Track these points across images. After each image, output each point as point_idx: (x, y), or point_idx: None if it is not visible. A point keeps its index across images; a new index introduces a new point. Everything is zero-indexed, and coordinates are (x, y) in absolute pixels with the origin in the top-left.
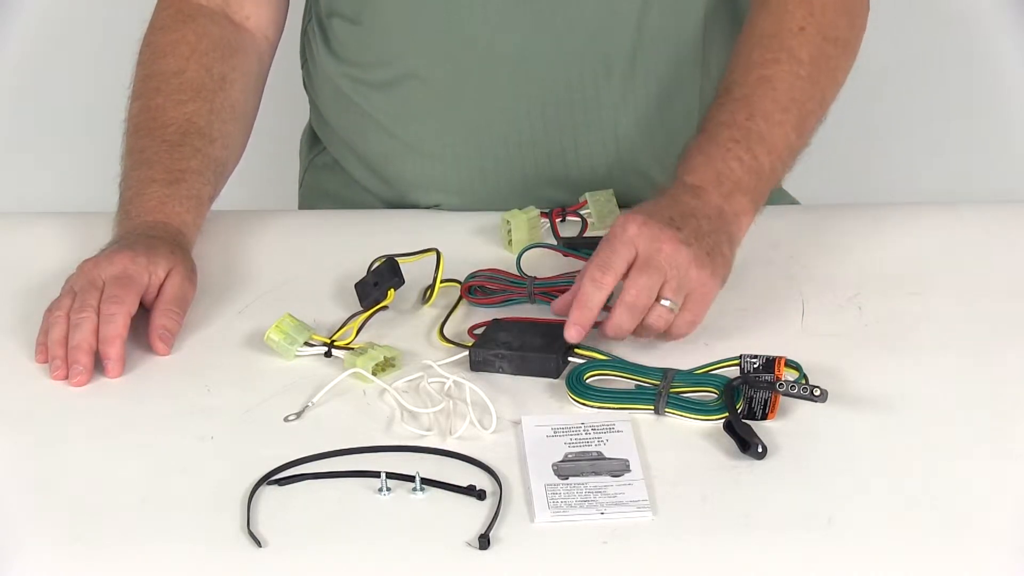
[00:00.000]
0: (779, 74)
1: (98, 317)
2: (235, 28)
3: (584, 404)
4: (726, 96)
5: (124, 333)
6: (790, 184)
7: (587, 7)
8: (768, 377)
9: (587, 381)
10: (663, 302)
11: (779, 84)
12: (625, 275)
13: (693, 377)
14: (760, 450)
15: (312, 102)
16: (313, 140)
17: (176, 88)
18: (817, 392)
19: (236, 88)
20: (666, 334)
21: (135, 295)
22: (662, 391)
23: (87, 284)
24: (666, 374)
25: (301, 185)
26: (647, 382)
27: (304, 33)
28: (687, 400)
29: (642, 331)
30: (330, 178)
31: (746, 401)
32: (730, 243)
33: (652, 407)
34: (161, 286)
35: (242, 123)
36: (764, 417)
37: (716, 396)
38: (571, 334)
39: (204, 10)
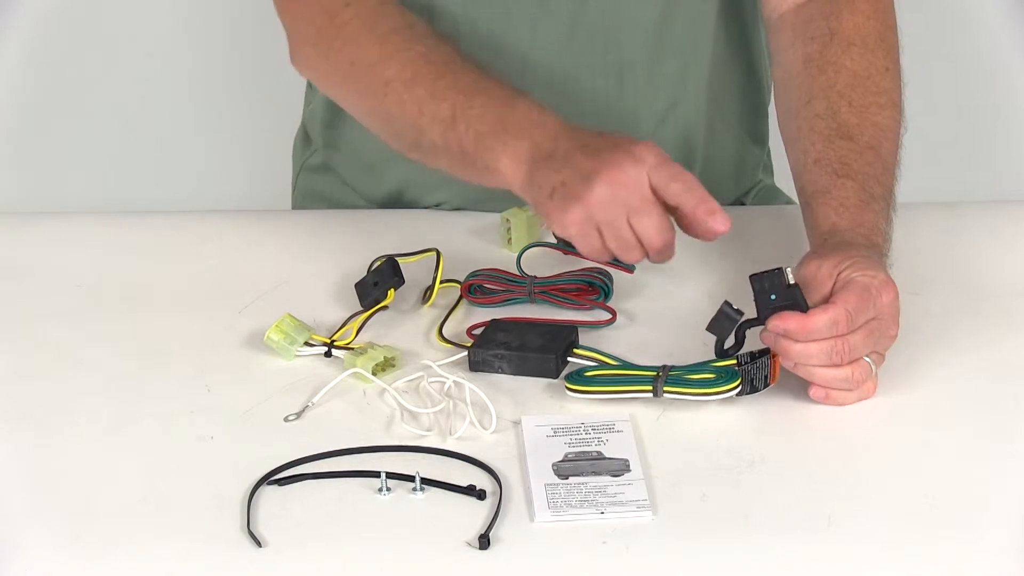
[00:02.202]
0: (887, 121)
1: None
2: None
3: (579, 391)
4: (851, 142)
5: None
6: (790, 184)
7: (608, 19)
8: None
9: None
10: (869, 361)
11: (890, 134)
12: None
13: (690, 368)
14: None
15: (310, 99)
16: (306, 142)
17: (420, 35)
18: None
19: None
20: (857, 393)
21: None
22: (660, 374)
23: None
24: (663, 367)
25: (294, 188)
26: (645, 374)
27: None
28: (686, 379)
29: (842, 383)
30: (323, 180)
31: (747, 381)
32: None
33: (651, 388)
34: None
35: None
36: (767, 385)
37: (715, 377)
38: (770, 340)
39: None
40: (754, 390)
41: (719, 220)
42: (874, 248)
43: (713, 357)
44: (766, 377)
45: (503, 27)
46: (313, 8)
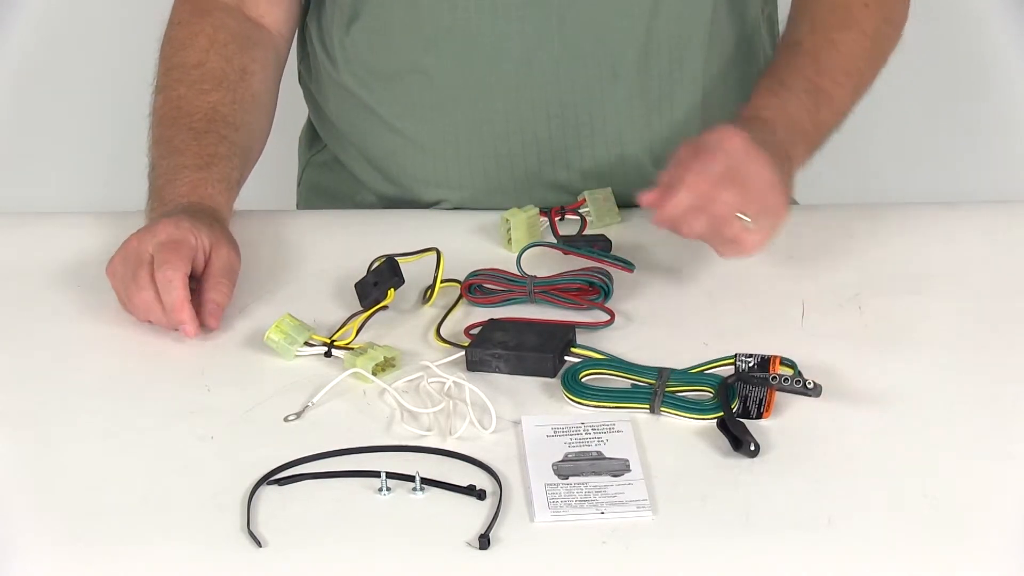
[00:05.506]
0: (846, 40)
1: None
2: (251, 23)
3: (580, 403)
4: (794, 49)
5: (186, 294)
6: (800, 191)
7: (597, 11)
8: (762, 375)
9: (582, 380)
10: (743, 218)
11: (844, 49)
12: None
13: (688, 376)
14: (752, 448)
15: (312, 98)
16: (312, 138)
17: (198, 79)
18: (811, 385)
19: (256, 79)
20: (733, 246)
21: (186, 258)
22: (657, 390)
23: (136, 262)
24: (661, 373)
25: (300, 183)
26: (642, 381)
27: (303, 26)
28: (683, 399)
29: (714, 239)
30: (329, 176)
31: (741, 400)
32: (791, 183)
33: (648, 406)
34: (208, 259)
35: (264, 113)
36: (760, 416)
37: (712, 395)
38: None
39: (220, 4)
40: (746, 414)
41: (211, 322)
42: (759, 121)
43: (710, 362)
44: (760, 409)
45: (492, 19)
46: None
